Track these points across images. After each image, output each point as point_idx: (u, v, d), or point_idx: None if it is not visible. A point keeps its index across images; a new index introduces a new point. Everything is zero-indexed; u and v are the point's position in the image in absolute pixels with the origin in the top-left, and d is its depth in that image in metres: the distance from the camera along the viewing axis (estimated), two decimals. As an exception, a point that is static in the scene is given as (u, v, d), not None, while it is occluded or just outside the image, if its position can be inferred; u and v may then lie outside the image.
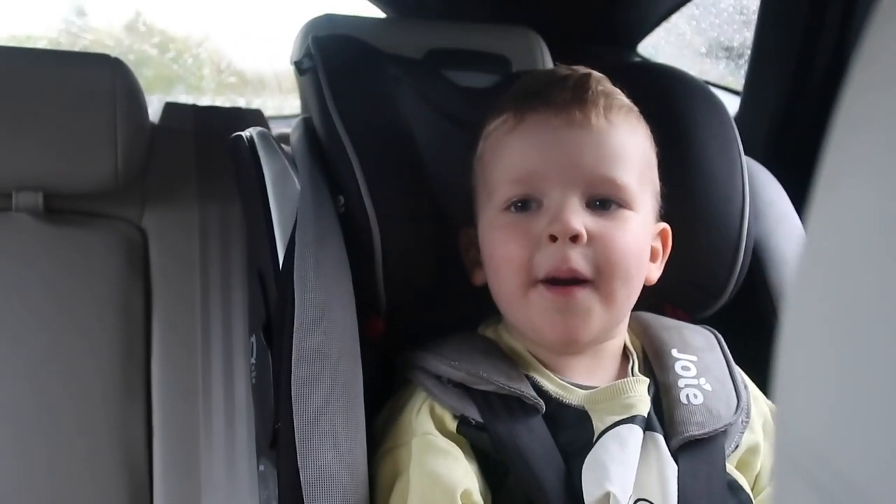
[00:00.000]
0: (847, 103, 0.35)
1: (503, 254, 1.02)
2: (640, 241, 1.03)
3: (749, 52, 1.77)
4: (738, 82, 1.91)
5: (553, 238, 0.98)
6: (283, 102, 3.05)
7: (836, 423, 0.33)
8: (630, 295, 1.04)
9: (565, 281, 0.98)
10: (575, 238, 0.97)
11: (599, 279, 0.99)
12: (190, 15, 3.23)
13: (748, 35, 1.84)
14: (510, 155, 1.04)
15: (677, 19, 2.22)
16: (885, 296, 0.31)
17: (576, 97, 1.02)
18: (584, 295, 0.98)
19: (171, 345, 1.55)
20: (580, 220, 0.98)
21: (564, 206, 0.98)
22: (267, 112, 1.90)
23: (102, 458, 1.47)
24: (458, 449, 0.97)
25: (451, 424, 0.99)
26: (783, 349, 0.37)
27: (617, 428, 0.98)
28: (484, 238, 1.07)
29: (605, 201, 1.00)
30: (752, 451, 1.05)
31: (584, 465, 0.95)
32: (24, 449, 1.45)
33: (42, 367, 1.49)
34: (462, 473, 0.95)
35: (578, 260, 0.97)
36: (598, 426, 0.99)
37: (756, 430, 1.06)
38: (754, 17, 1.74)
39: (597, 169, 1.00)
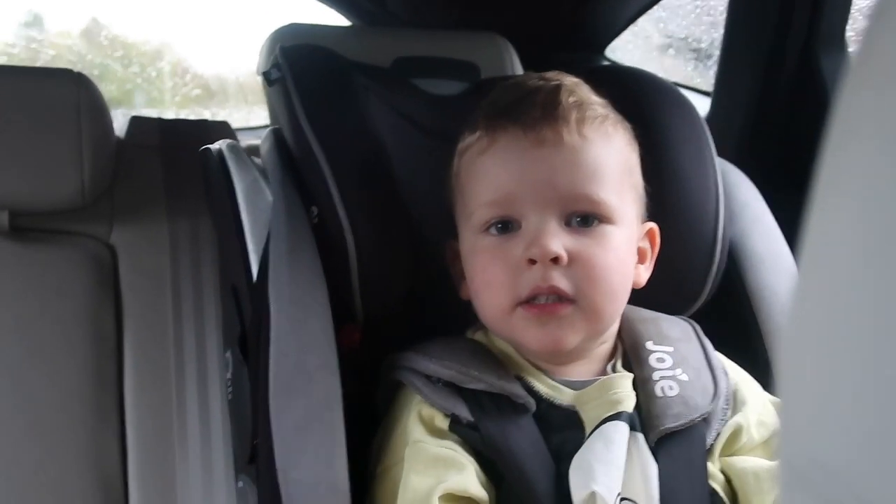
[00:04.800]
0: (842, 107, 0.34)
1: (484, 278, 1.02)
2: (622, 254, 1.02)
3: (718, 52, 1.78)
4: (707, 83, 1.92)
5: (532, 262, 0.97)
6: (248, 115, 3.03)
7: (845, 435, 0.32)
8: (617, 308, 1.04)
9: (548, 299, 0.97)
10: (555, 260, 0.96)
11: (583, 298, 0.98)
12: (151, 25, 3.20)
13: (716, 36, 1.85)
14: (485, 177, 1.03)
15: (644, 22, 2.23)
16: (891, 302, 0.30)
17: (546, 114, 1.00)
18: (567, 311, 0.98)
19: (144, 363, 1.53)
20: (558, 241, 0.97)
21: (542, 230, 0.97)
22: (234, 125, 1.88)
23: (76, 481, 1.44)
24: (453, 447, 0.96)
25: (443, 423, 0.98)
26: (785, 359, 0.36)
27: (603, 426, 0.97)
28: (466, 259, 1.06)
29: (584, 218, 0.99)
30: (735, 434, 1.04)
31: (571, 466, 0.95)
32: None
33: (10, 391, 1.46)
34: (451, 474, 0.93)
35: (560, 279, 0.96)
36: (588, 426, 0.98)
37: (746, 413, 1.04)
38: (722, 18, 1.75)
39: (572, 188, 0.98)
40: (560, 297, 0.97)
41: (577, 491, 0.92)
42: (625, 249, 1.02)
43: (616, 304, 1.03)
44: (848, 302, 0.33)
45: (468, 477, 0.93)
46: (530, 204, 0.99)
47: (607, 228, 1.00)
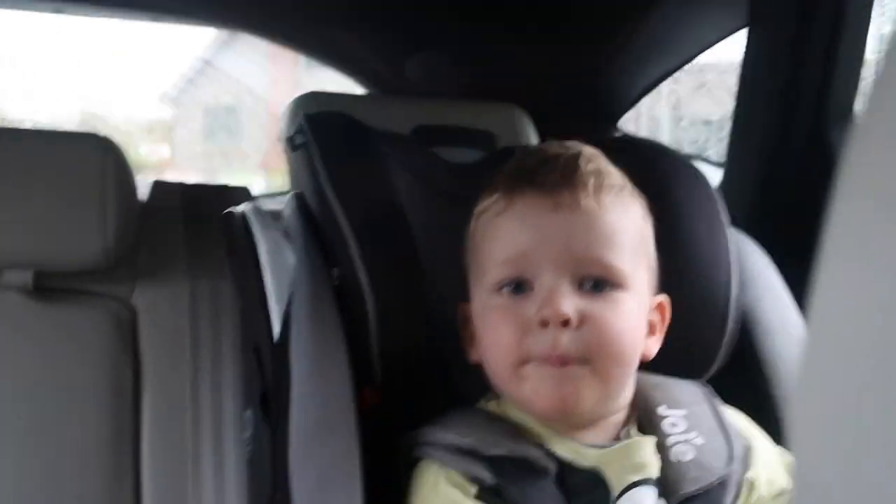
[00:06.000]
0: (847, 170, 0.35)
1: (495, 338, 1.02)
2: (633, 321, 1.02)
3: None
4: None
5: (544, 323, 0.97)
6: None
7: (858, 474, 0.33)
8: (626, 373, 1.03)
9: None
10: (566, 322, 0.96)
11: (593, 361, 0.98)
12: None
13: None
14: (501, 237, 1.04)
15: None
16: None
17: (565, 178, 1.01)
18: (576, 369, 0.97)
19: (162, 422, 1.54)
20: (570, 303, 0.97)
21: (555, 291, 0.97)
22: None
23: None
24: None
25: (471, 492, 0.97)
26: (797, 398, 0.37)
27: (632, 491, 0.97)
28: (477, 319, 1.06)
29: (597, 283, 0.99)
30: (748, 491, 1.03)
31: None
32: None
33: (30, 446, 1.47)
34: None
35: (569, 344, 0.96)
36: (614, 489, 0.97)
37: (757, 470, 1.04)
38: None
39: (587, 252, 0.99)
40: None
41: None
42: (635, 316, 1.02)
43: (624, 368, 1.02)
44: (856, 364, 0.33)
45: None
46: (544, 265, 0.99)
47: (619, 294, 1.00)
